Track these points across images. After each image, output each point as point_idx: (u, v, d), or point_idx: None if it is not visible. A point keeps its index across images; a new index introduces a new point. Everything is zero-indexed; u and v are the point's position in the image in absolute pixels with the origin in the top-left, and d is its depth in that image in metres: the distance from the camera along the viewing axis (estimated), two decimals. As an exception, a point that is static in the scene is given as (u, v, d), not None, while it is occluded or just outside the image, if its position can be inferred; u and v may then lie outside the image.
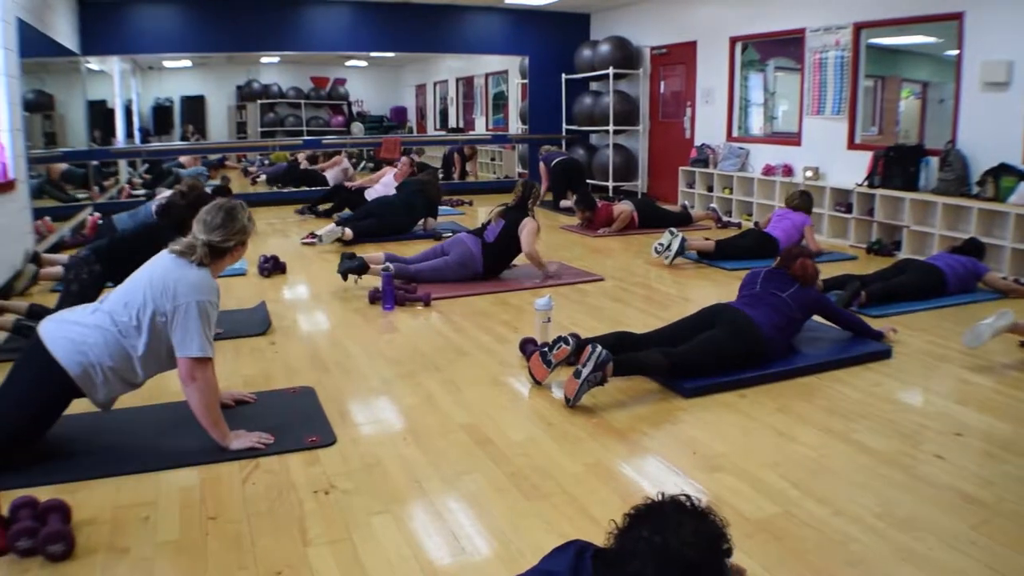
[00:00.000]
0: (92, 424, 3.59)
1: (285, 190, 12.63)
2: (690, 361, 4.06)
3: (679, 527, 1.64)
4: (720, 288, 6.34)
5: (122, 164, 13.08)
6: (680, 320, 4.55)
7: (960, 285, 6.00)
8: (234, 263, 3.46)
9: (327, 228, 8.34)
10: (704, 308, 4.56)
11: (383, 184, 9.91)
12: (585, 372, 3.75)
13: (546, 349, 4.14)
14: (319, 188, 11.91)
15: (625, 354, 4.00)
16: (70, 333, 3.13)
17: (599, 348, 3.81)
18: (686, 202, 10.48)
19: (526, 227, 6.46)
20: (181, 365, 3.18)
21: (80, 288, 4.76)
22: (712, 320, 4.35)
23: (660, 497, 1.74)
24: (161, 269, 3.22)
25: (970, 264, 6.12)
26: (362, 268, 6.09)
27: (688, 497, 1.73)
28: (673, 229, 7.32)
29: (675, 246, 7.11)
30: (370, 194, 9.73)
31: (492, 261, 6.55)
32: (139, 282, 3.23)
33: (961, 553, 2.54)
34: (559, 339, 4.12)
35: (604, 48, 12.24)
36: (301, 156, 14.22)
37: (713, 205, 9.95)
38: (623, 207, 9.17)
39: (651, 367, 4.05)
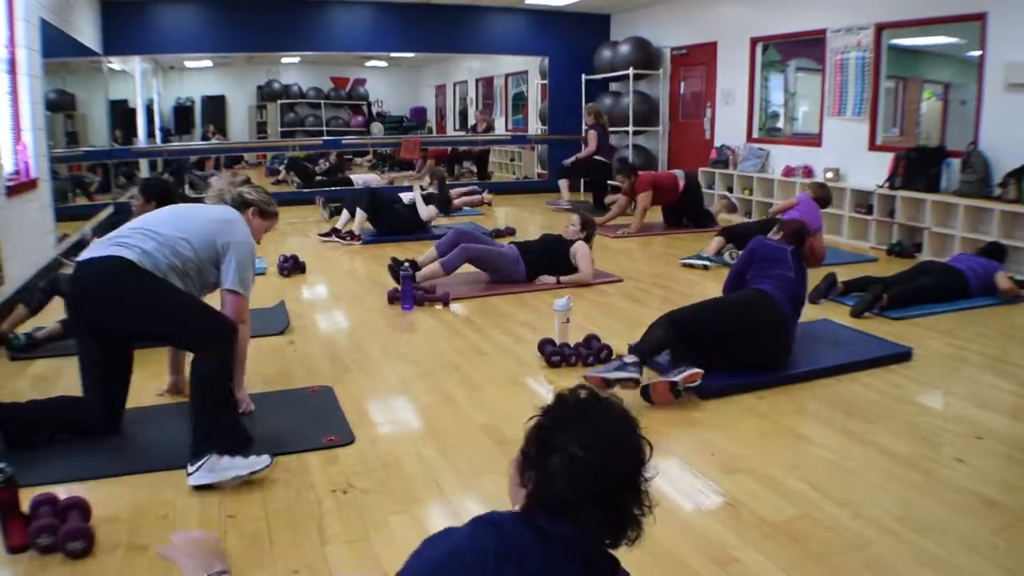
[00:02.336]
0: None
1: (305, 190, 12.68)
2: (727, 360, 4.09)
3: (613, 434, 1.55)
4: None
5: (143, 164, 13.16)
6: (720, 304, 4.48)
7: (981, 287, 5.95)
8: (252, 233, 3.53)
9: (358, 220, 8.64)
10: (750, 298, 4.39)
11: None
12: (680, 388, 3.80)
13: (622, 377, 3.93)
14: (345, 188, 11.97)
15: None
16: (112, 250, 3.16)
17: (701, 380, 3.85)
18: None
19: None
20: (232, 302, 3.31)
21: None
22: (755, 321, 4.21)
23: (572, 395, 1.63)
24: (214, 210, 3.43)
25: (990, 267, 6.07)
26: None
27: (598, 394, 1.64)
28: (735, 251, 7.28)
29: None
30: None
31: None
32: (187, 215, 3.40)
33: (982, 557, 2.52)
34: (628, 378, 3.90)
35: (624, 49, 12.22)
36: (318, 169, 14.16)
37: (725, 192, 9.99)
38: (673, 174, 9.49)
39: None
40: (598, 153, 11.26)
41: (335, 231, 8.68)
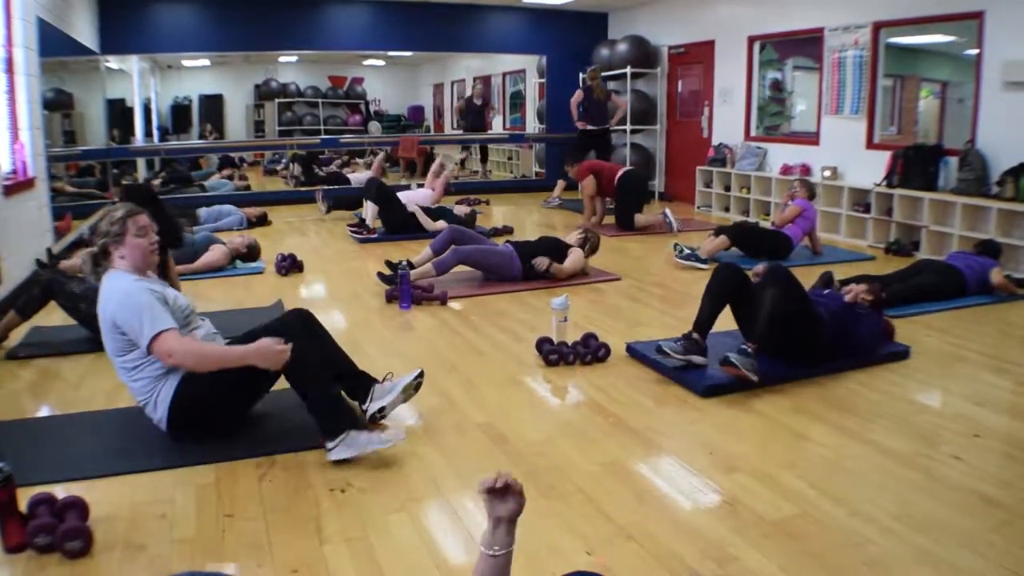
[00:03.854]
0: (109, 421, 3.63)
1: (303, 189, 12.67)
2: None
3: None
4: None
5: (140, 163, 13.15)
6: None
7: (978, 285, 5.95)
8: (134, 262, 3.36)
9: (370, 213, 8.72)
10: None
11: (422, 196, 9.75)
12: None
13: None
14: (344, 187, 11.98)
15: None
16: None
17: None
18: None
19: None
20: (156, 350, 3.15)
21: None
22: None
23: None
24: (97, 309, 3.31)
25: (987, 264, 6.07)
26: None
27: None
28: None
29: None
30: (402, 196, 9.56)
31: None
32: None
33: (979, 555, 2.53)
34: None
35: (622, 47, 12.21)
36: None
37: (667, 211, 9.28)
38: (588, 182, 9.25)
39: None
40: (585, 121, 11.04)
41: (362, 222, 8.79)
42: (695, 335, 4.20)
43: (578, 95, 11.10)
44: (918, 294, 5.73)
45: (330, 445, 3.18)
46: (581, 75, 11.49)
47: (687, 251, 7.21)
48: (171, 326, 3.17)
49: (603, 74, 12.56)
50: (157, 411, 3.28)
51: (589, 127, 11.08)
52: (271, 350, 3.18)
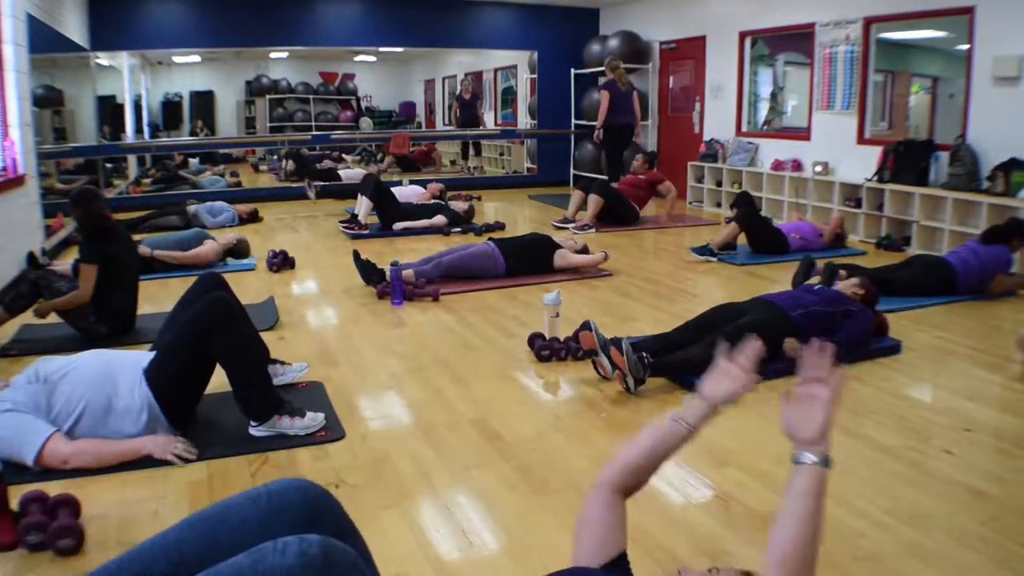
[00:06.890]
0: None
1: (295, 185, 12.65)
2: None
3: None
4: (727, 283, 6.33)
5: (132, 160, 13.12)
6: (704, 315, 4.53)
7: (971, 286, 5.80)
8: None
9: (363, 209, 8.68)
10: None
11: (410, 192, 9.86)
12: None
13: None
14: (334, 183, 11.96)
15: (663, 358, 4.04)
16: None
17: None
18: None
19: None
20: (45, 467, 2.99)
21: None
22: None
23: None
24: None
25: (991, 260, 5.85)
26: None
27: None
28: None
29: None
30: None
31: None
32: None
33: (971, 549, 2.54)
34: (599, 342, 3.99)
35: (613, 43, 12.20)
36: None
37: (587, 226, 8.89)
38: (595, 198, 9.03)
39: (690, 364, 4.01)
40: (609, 117, 10.43)
41: (353, 218, 8.75)
42: (648, 359, 3.97)
43: (605, 96, 10.43)
44: (894, 284, 5.65)
45: (255, 424, 3.39)
46: (600, 79, 11.12)
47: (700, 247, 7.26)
48: (48, 433, 3.00)
49: (595, 70, 12.57)
50: (147, 413, 3.21)
51: (619, 122, 10.53)
52: (167, 444, 3.15)
